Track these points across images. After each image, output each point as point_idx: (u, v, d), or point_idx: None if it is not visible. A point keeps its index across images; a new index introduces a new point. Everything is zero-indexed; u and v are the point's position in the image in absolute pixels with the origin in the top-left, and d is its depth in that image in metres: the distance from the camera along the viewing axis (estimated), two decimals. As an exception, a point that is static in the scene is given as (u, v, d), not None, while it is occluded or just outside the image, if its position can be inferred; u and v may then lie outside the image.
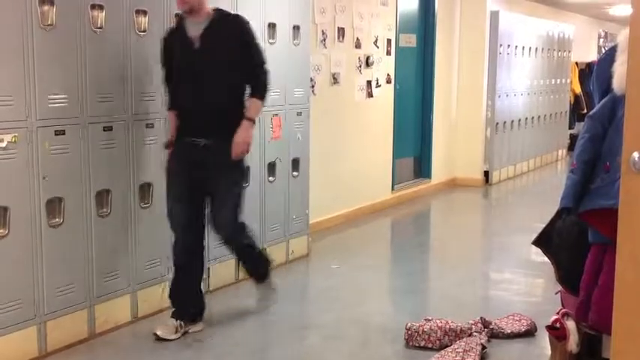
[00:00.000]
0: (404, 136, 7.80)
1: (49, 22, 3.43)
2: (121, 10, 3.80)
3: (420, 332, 3.65)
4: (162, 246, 4.13)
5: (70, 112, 3.56)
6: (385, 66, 7.23)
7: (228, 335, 3.85)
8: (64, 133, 3.53)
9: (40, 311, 3.49)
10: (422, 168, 8.34)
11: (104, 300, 3.82)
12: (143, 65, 3.95)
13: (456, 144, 8.85)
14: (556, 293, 3.42)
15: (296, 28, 5.13)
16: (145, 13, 3.92)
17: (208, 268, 4.47)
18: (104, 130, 3.75)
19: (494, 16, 8.78)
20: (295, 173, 5.25)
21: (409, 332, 3.68)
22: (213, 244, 4.47)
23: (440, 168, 8.52)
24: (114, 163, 3.83)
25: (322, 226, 6.19)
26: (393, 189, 7.54)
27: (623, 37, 2.82)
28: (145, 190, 4.01)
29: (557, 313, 3.20)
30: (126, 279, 3.95)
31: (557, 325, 3.14)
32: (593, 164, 2.93)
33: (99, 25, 3.68)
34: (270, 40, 4.88)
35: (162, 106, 4.06)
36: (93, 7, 3.63)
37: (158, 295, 4.13)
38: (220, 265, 4.58)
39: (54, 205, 3.52)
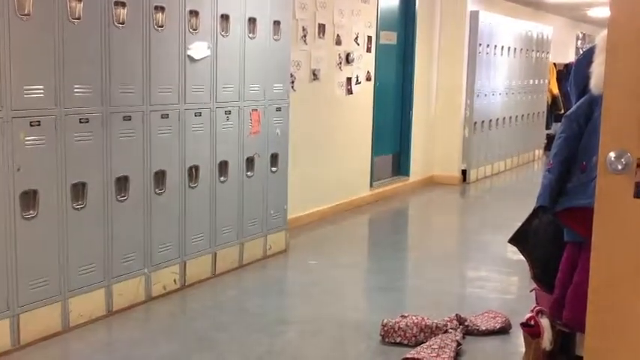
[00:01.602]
0: (383, 134, 7.81)
1: (26, 12, 3.38)
2: (99, 1, 3.76)
3: (396, 328, 3.66)
4: (138, 239, 4.11)
5: (46, 103, 3.52)
6: (365, 63, 7.23)
7: (204, 329, 3.83)
8: (39, 125, 3.49)
9: (13, 304, 3.45)
10: (400, 165, 8.36)
11: (79, 293, 3.79)
12: (122, 57, 3.91)
13: (434, 142, 8.89)
14: (531, 291, 3.45)
15: (276, 23, 5.11)
16: (123, 4, 3.88)
17: (184, 263, 4.46)
18: (81, 122, 3.71)
19: (474, 15, 8.83)
20: (274, 169, 5.24)
21: (385, 328, 3.69)
22: (191, 236, 4.47)
23: (418, 166, 8.55)
24: (90, 156, 3.79)
25: (300, 222, 6.19)
26: (371, 186, 7.56)
27: (601, 38, 2.85)
28: (122, 183, 3.98)
29: (532, 311, 3.23)
30: (101, 272, 3.91)
31: (532, 322, 3.17)
32: (569, 164, 2.95)
33: (77, 16, 3.63)
34: (250, 35, 4.86)
35: (142, 98, 4.03)
36: (71, -3, 3.60)
37: (134, 289, 4.10)
38: (196, 260, 4.56)
39: (28, 198, 3.48)
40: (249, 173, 4.98)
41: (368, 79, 7.31)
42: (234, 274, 4.84)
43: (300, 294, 4.60)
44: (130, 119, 3.99)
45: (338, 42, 6.71)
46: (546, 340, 3.11)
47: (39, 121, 3.48)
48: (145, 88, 4.07)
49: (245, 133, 4.90)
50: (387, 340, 3.67)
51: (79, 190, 3.73)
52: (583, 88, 3.00)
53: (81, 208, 3.74)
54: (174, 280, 4.40)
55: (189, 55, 4.35)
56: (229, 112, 4.74)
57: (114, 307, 3.99)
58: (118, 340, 3.70)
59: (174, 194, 4.33)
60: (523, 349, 3.30)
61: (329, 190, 6.76)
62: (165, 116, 4.22)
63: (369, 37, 7.27)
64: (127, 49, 3.94)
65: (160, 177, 4.22)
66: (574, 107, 3.04)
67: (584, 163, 2.88)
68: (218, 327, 3.89)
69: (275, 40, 5.11)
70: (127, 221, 4.02)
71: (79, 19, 3.64)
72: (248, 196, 4.98)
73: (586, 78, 2.93)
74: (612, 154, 2.47)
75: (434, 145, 8.89)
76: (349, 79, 6.97)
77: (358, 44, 7.05)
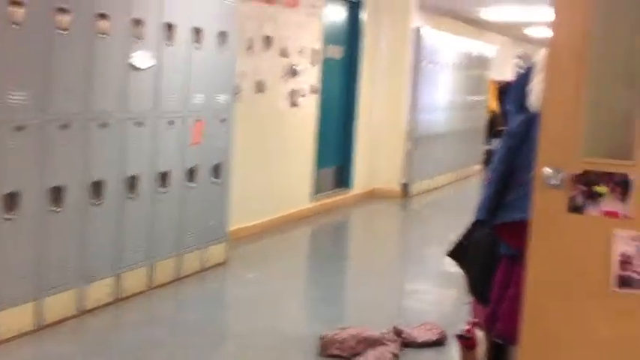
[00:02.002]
0: (326, 146, 7.83)
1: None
2: (41, 6, 3.65)
3: (334, 341, 3.65)
4: (72, 251, 3.99)
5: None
6: (310, 76, 7.24)
7: (139, 343, 3.74)
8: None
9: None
10: (343, 178, 8.39)
11: (7, 307, 3.63)
12: (63, 64, 3.81)
13: (376, 156, 8.96)
14: (467, 303, 3.49)
15: (222, 34, 5.07)
16: (66, 11, 3.77)
17: (120, 275, 4.35)
18: (16, 130, 3.59)
19: (418, 32, 8.97)
20: (216, 179, 5.18)
21: (323, 341, 3.67)
22: (127, 248, 4.37)
23: (360, 179, 8.59)
24: (25, 165, 3.67)
25: (241, 234, 6.12)
26: (313, 198, 7.56)
27: (540, 57, 2.92)
28: (57, 193, 3.86)
29: (468, 323, 3.26)
30: (32, 285, 3.76)
31: (467, 334, 3.21)
32: (507, 178, 3.00)
33: (17, 21, 3.52)
34: (196, 45, 4.81)
35: (83, 107, 3.94)
36: (11, 2, 3.48)
37: (66, 302, 3.97)
38: (131, 273, 4.44)
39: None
40: (190, 184, 4.91)
41: (313, 92, 7.33)
42: (172, 287, 4.74)
43: (238, 307, 4.55)
44: (68, 128, 3.88)
45: (284, 54, 6.70)
46: (481, 353, 3.15)
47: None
48: (86, 97, 3.97)
49: (187, 143, 4.83)
50: (324, 353, 3.65)
51: (11, 201, 3.60)
52: (522, 105, 3.06)
53: (13, 218, 3.61)
54: (109, 293, 4.28)
55: (132, 64, 4.27)
56: (172, 122, 4.67)
57: (45, 321, 3.85)
58: (47, 356, 3.57)
59: (112, 205, 4.23)
60: (459, 362, 3.34)
61: (271, 202, 6.72)
62: (105, 125, 4.12)
63: (315, 51, 7.29)
64: (69, 57, 3.84)
65: (97, 187, 4.11)
66: (513, 123, 3.10)
67: (521, 177, 2.93)
68: (154, 341, 3.81)
69: (220, 50, 5.07)
70: (61, 232, 3.90)
71: (19, 24, 3.53)
72: (189, 207, 4.91)
73: (525, 95, 3.00)
74: (548, 170, 2.54)
75: (376, 158, 8.95)
76: (294, 92, 6.97)
77: (304, 57, 7.06)
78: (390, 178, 9.01)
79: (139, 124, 4.38)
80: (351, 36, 8.24)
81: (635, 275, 2.43)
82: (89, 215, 4.07)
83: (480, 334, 3.14)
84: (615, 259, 2.45)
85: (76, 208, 3.97)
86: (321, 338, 3.69)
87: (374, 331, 3.76)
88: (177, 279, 4.85)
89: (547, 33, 2.63)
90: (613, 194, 2.46)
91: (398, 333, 3.82)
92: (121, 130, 4.25)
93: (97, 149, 4.07)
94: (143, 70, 4.33)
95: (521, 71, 3.25)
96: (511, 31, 12.94)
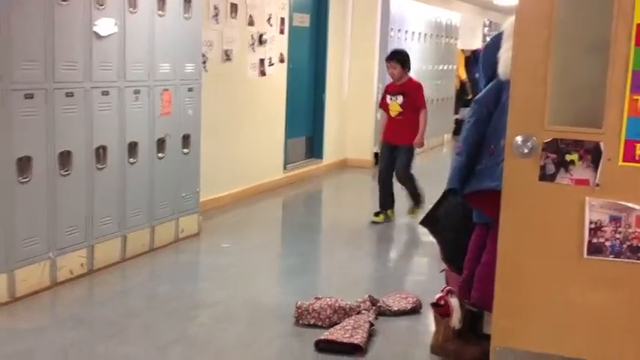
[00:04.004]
0: (296, 116, 7.80)
1: None
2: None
3: (310, 310, 3.67)
4: (41, 222, 3.94)
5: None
6: (278, 45, 7.18)
7: (112, 315, 3.73)
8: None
9: None
10: (314, 148, 8.38)
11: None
12: (23, 32, 3.71)
13: (347, 125, 8.95)
14: (441, 271, 3.53)
15: (187, 1, 4.98)
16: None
17: (92, 247, 4.31)
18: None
19: (386, 0, 8.91)
20: (186, 150, 5.13)
21: (299, 311, 3.69)
22: (99, 219, 4.33)
23: (331, 148, 8.59)
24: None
25: (213, 205, 6.11)
26: (285, 168, 7.54)
27: (508, 24, 2.91)
28: (24, 164, 3.81)
29: (442, 291, 3.30)
30: (1, 258, 3.75)
31: (442, 302, 3.25)
32: (478, 147, 3.02)
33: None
34: (160, 12, 4.72)
35: (45, 75, 3.86)
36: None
37: (38, 274, 3.93)
38: (104, 244, 4.42)
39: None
40: (160, 155, 4.86)
41: (281, 60, 7.27)
42: (145, 258, 4.73)
43: (213, 278, 4.54)
44: (32, 97, 3.80)
45: (250, 22, 6.62)
46: (455, 320, 3.19)
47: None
48: (48, 65, 3.89)
49: (156, 113, 4.77)
50: (300, 322, 3.67)
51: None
52: (491, 73, 3.07)
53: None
54: (82, 265, 4.25)
55: (95, 32, 4.18)
56: (138, 92, 4.60)
57: (17, 293, 3.82)
58: (20, 329, 3.54)
59: (80, 175, 4.18)
60: (433, 329, 3.38)
61: (242, 173, 6.69)
62: (70, 94, 4.05)
63: (282, 19, 7.21)
64: (28, 24, 3.74)
65: (65, 157, 4.06)
66: (483, 92, 3.11)
67: (492, 146, 2.95)
68: (128, 313, 3.79)
69: (186, 18, 4.99)
70: (29, 204, 3.85)
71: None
72: (159, 178, 4.87)
73: (494, 64, 3.00)
74: (519, 138, 2.56)
75: (347, 128, 8.95)
76: (262, 61, 6.90)
77: (271, 25, 6.99)
78: (361, 148, 9.02)
79: (105, 93, 4.31)
80: (318, 4, 8.16)
81: (605, 242, 2.48)
82: (57, 186, 4.02)
83: (454, 302, 3.19)
84: (586, 226, 2.48)
85: (44, 179, 3.93)
86: (297, 308, 3.71)
87: (349, 301, 3.79)
88: (151, 250, 4.84)
89: (515, 0, 2.62)
90: (583, 162, 2.48)
91: (373, 302, 3.85)
92: (87, 100, 4.17)
93: (62, 119, 4.01)
94: (104, 37, 4.24)
95: (490, 39, 3.24)
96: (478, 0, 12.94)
